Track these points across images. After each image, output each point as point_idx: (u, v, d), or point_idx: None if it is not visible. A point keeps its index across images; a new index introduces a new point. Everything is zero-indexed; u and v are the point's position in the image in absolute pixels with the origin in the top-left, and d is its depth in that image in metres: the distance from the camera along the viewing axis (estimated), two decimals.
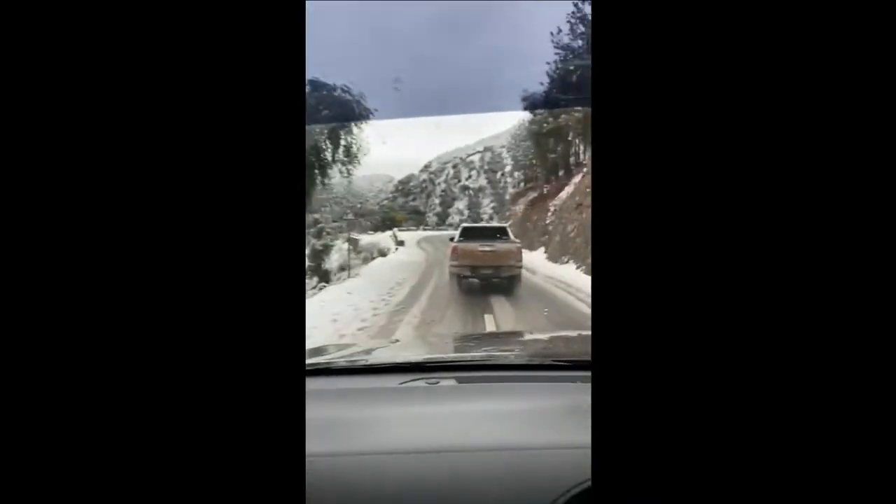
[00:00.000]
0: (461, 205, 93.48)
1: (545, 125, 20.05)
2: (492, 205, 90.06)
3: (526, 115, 25.42)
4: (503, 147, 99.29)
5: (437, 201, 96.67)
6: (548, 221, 17.64)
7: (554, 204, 17.69)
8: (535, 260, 15.51)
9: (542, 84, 20.72)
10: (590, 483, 0.58)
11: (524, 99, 21.10)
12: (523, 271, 8.45)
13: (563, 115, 18.93)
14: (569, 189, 16.46)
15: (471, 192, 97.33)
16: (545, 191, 21.19)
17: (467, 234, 8.18)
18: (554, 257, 14.63)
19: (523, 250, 18.86)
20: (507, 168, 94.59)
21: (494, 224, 11.82)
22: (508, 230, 8.84)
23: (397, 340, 2.27)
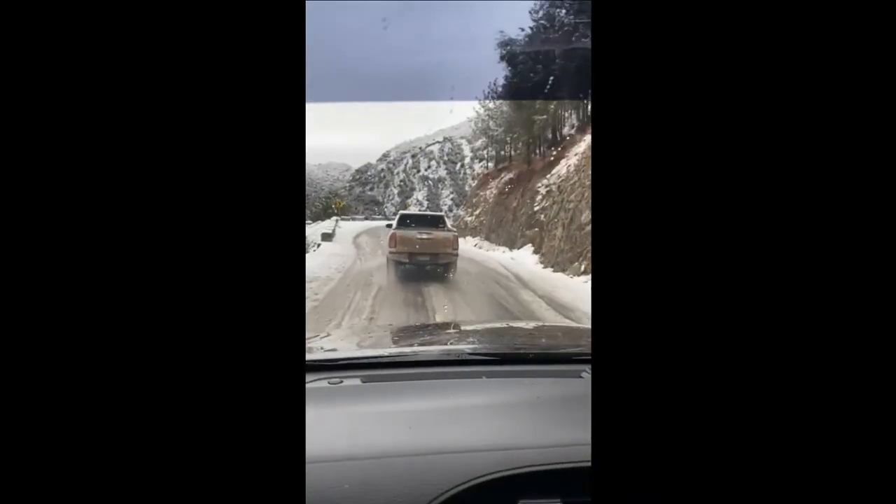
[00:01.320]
0: (420, 195, 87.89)
1: (530, 76, 14.24)
2: (451, 196, 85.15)
3: (477, 101, 19.56)
4: (463, 138, 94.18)
5: (395, 191, 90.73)
6: (537, 208, 11.82)
7: (546, 183, 11.92)
8: (525, 266, 9.51)
9: (522, 29, 14.86)
10: (461, 488, 0.57)
11: (501, 45, 15.13)
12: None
13: (557, 61, 13.11)
14: (570, 162, 10.34)
15: (430, 182, 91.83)
16: (529, 167, 15.46)
17: (405, 221, 7.73)
18: (559, 263, 8.38)
19: (502, 249, 12.60)
20: (467, 159, 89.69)
21: (431, 213, 11.04)
22: (445, 219, 8.59)
23: (328, 335, 1.61)
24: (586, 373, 0.92)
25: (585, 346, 1.15)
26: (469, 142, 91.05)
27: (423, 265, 7.09)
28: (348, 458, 0.61)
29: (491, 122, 20.76)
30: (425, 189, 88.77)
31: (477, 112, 20.65)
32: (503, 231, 14.55)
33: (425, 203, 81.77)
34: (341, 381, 0.87)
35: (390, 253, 7.19)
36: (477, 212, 18.54)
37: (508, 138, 19.86)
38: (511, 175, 17.09)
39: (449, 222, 8.71)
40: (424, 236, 7.15)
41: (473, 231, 17.70)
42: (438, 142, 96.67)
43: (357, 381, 0.89)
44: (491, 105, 19.94)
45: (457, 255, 7.38)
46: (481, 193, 19.47)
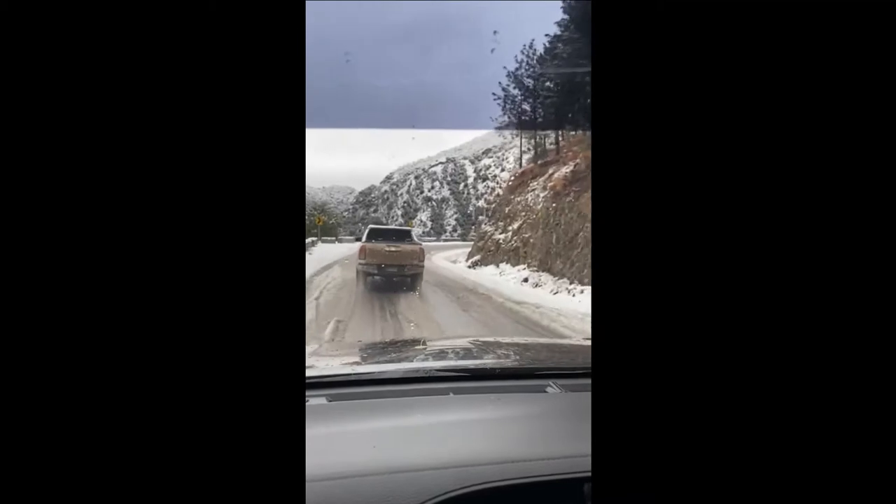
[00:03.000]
0: (424, 216, 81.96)
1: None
2: (455, 216, 79.39)
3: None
4: (465, 158, 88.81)
5: (399, 212, 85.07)
6: None
7: None
8: None
9: None
10: None
11: None
12: None
13: None
14: None
15: (434, 203, 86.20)
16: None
17: (374, 235, 7.83)
18: None
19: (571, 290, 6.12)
20: (471, 179, 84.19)
21: (400, 227, 11.62)
22: (412, 233, 8.67)
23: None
24: (551, 387, 0.92)
25: (549, 360, 1.26)
26: (472, 162, 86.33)
27: (391, 276, 6.99)
28: (312, 480, 0.58)
29: (525, 103, 14.17)
30: (429, 210, 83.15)
31: (503, 87, 14.10)
32: (580, 257, 7.71)
33: (429, 224, 75.89)
34: (307, 401, 0.83)
35: (359, 264, 7.10)
36: (515, 226, 11.80)
37: (556, 110, 13.23)
38: (569, 168, 10.43)
39: (415, 236, 8.65)
40: (392, 249, 7.11)
41: (512, 256, 10.94)
42: (441, 163, 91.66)
43: (323, 400, 0.85)
44: (527, 76, 13.36)
45: (423, 266, 7.33)
46: (518, 199, 12.77)
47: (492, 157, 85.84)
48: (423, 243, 8.30)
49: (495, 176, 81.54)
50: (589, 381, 1.33)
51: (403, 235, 8.09)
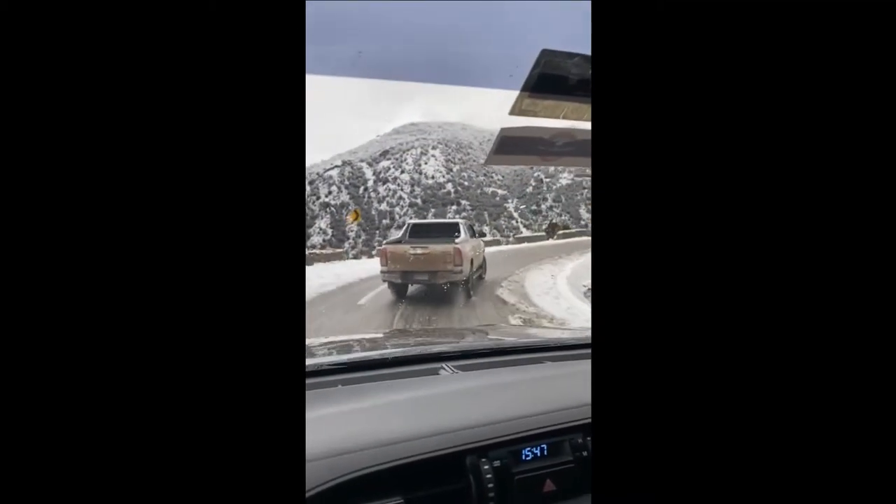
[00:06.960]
0: (323, 223, 74.37)
1: None
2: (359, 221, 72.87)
3: None
4: (363, 161, 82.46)
5: None
6: None
7: None
8: None
9: None
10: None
11: None
12: None
13: None
14: None
15: (333, 209, 78.71)
16: None
17: (413, 232, 6.51)
18: None
19: None
20: (370, 182, 78.18)
21: (445, 221, 8.30)
22: (461, 226, 6.68)
23: None
24: (444, 370, 0.91)
25: (449, 343, 1.22)
26: (370, 164, 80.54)
27: (421, 284, 5.72)
28: None
29: None
30: (328, 216, 75.60)
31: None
32: None
33: (329, 231, 68.42)
34: None
35: (381, 272, 5.85)
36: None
37: None
38: None
39: (464, 230, 6.53)
40: (418, 251, 5.61)
41: None
42: (337, 166, 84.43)
43: None
44: None
45: (459, 271, 5.53)
46: None
47: (390, 158, 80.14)
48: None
49: (395, 178, 76.17)
50: (481, 360, 1.04)
51: (444, 231, 6.29)
